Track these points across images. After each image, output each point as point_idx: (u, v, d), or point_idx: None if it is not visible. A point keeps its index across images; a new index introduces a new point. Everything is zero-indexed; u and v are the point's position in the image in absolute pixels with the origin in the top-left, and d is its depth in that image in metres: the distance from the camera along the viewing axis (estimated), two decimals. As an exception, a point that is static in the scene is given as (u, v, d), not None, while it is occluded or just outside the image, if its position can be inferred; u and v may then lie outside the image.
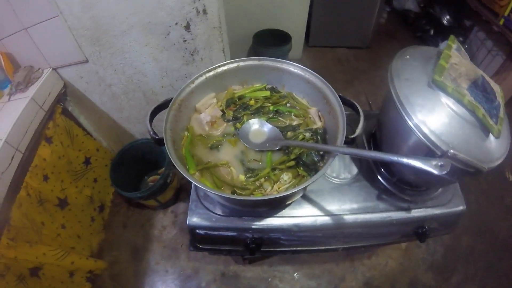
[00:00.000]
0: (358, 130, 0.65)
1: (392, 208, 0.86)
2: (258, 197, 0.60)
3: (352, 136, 0.65)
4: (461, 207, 0.90)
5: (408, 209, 0.87)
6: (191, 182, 0.61)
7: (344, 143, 0.66)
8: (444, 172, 0.51)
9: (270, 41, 2.05)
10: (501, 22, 1.75)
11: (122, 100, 1.33)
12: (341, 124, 0.67)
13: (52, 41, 1.05)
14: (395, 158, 0.53)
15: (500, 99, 0.72)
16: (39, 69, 1.13)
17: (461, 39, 2.17)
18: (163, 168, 1.65)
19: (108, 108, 1.36)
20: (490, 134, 0.67)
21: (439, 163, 0.51)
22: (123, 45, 1.09)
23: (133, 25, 1.02)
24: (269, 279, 1.44)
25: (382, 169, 0.91)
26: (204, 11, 1.00)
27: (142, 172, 1.69)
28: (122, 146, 1.48)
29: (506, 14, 1.72)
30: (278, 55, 2.03)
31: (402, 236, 0.93)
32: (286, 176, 0.69)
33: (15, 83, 1.09)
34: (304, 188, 0.63)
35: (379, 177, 0.90)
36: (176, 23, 1.03)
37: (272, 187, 0.67)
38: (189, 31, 1.06)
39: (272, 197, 0.58)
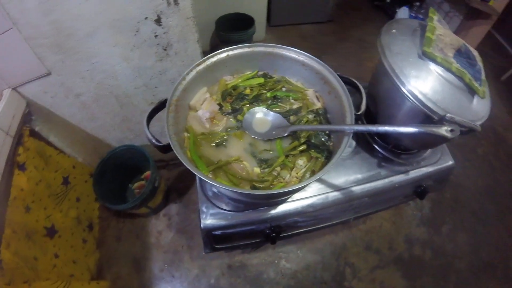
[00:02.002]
0: (363, 107, 0.67)
1: (392, 173, 0.91)
2: (295, 185, 0.58)
3: (359, 113, 0.67)
4: (450, 162, 0.98)
5: (406, 172, 0.92)
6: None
7: (351, 120, 0.67)
8: (456, 135, 0.55)
9: (234, 25, 2.00)
10: (459, -16, 1.84)
11: (93, 109, 1.22)
12: (346, 102, 0.68)
13: (7, 58, 0.92)
14: (410, 129, 0.56)
15: (480, 63, 0.78)
16: (-3, 91, 1.00)
17: (417, 3, 2.28)
18: (147, 172, 1.58)
19: (78, 120, 1.24)
20: (476, 95, 0.73)
21: (449, 129, 0.55)
22: (89, 49, 0.99)
23: (99, 25, 0.93)
24: (276, 261, 1.47)
25: (377, 139, 0.95)
26: (176, 2, 0.93)
27: (125, 181, 1.60)
28: (99, 157, 1.39)
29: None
30: (243, 38, 1.99)
31: (404, 197, 0.99)
32: (301, 161, 0.68)
33: (-27, 112, 0.95)
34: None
35: (375, 146, 0.95)
36: (146, 18, 0.96)
37: (290, 174, 0.67)
38: (160, 25, 0.99)
39: (304, 184, 0.57)
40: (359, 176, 0.88)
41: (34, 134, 1.12)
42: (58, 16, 0.86)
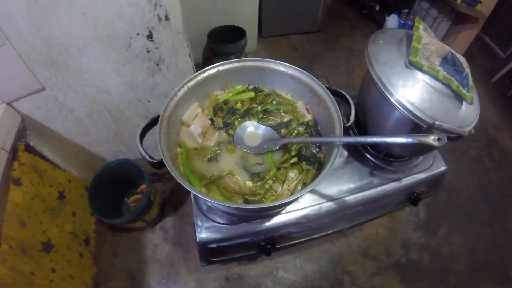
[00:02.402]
0: (352, 118, 0.68)
1: (385, 181, 0.92)
2: (287, 198, 0.59)
3: (348, 125, 0.68)
4: (443, 168, 0.99)
5: (398, 179, 0.93)
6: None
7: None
8: (443, 144, 0.56)
9: (225, 38, 2.02)
10: (444, -11, 1.88)
11: (87, 124, 1.23)
12: (335, 114, 0.69)
13: (2, 74, 0.93)
14: (398, 139, 0.57)
15: (467, 69, 0.79)
16: (-9, 106, 1.00)
17: (406, 10, 2.32)
18: (142, 186, 1.58)
19: (73, 134, 1.25)
20: (465, 101, 0.74)
21: (437, 137, 0.56)
22: (82, 65, 1.00)
23: (90, 41, 0.94)
24: (273, 272, 1.46)
25: (369, 148, 0.96)
26: (167, 17, 0.95)
27: (120, 194, 1.59)
28: (93, 172, 1.39)
29: (447, -19, 1.85)
30: (235, 50, 2.01)
31: (398, 204, 0.99)
32: (292, 174, 0.69)
33: (-33, 128, 0.95)
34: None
35: (367, 155, 0.96)
36: (138, 34, 0.97)
37: (282, 187, 0.68)
38: (152, 40, 1.00)
39: (296, 196, 0.58)
40: (351, 185, 0.89)
41: (29, 149, 1.12)
42: (49, 33, 0.87)
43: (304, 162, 0.71)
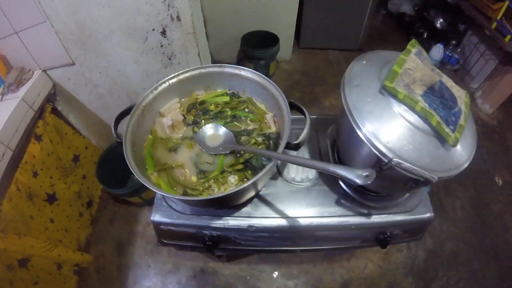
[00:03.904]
0: (302, 136, 0.68)
1: (351, 213, 0.86)
2: (195, 197, 0.66)
3: (296, 142, 0.68)
4: (428, 214, 0.88)
5: (368, 215, 0.87)
6: None
7: (289, 148, 0.68)
8: (368, 183, 0.51)
9: (258, 43, 2.08)
10: (494, 26, 1.73)
11: (108, 100, 1.39)
12: (286, 129, 0.69)
13: (41, 44, 1.12)
14: (322, 166, 0.56)
15: (462, 106, 0.70)
16: (29, 70, 1.20)
17: (454, 42, 2.15)
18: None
19: (95, 107, 1.43)
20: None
21: (364, 174, 0.52)
22: (106, 49, 1.15)
23: (115, 30, 1.08)
24: (247, 278, 1.47)
25: (344, 175, 0.92)
26: (178, 18, 1.04)
27: (129, 170, 1.74)
28: (110, 144, 1.55)
29: (498, 17, 1.69)
30: (266, 56, 2.06)
31: (363, 241, 0.93)
32: (233, 179, 0.72)
33: (7, 84, 1.15)
34: (247, 190, 0.66)
35: (340, 182, 0.91)
36: (153, 29, 1.08)
37: (219, 189, 0.71)
38: (165, 37, 1.11)
39: (208, 197, 0.62)
40: (311, 209, 0.85)
41: (55, 111, 1.31)
42: (81, 18, 1.02)
43: (249, 171, 0.73)
